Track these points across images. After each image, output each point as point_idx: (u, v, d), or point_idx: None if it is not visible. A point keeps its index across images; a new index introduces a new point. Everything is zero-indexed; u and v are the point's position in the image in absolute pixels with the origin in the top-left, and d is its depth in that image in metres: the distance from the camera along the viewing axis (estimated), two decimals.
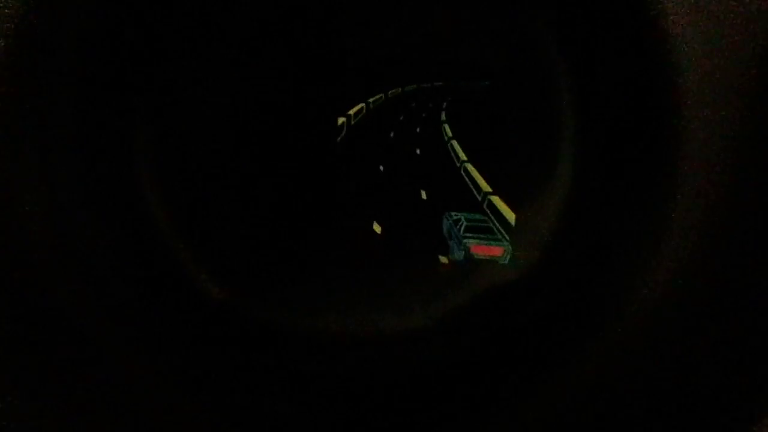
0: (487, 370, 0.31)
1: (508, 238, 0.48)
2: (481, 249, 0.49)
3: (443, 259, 0.50)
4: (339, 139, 0.51)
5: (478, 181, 0.51)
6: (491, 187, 0.51)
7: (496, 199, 0.50)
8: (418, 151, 0.54)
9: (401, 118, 0.54)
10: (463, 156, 0.53)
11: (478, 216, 0.50)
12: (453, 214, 0.51)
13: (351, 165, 0.52)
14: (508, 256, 0.47)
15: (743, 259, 0.22)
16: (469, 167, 0.52)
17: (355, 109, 0.52)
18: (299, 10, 0.49)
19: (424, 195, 0.53)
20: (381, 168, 0.53)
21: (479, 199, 0.51)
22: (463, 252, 0.49)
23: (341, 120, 0.51)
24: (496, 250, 0.48)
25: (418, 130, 0.54)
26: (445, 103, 0.53)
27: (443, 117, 0.54)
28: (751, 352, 0.21)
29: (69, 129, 0.36)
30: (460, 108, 0.53)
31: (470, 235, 0.49)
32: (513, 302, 0.33)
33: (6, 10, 0.29)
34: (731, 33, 0.22)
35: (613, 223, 0.26)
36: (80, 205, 0.37)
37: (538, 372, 0.27)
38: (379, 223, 0.51)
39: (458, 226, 0.50)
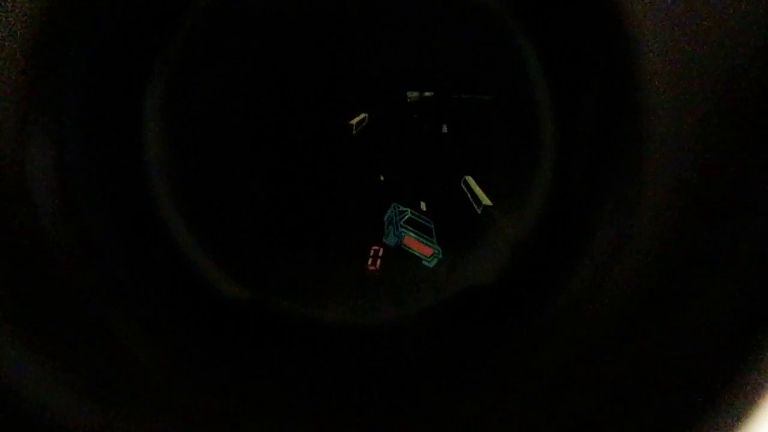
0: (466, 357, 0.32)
1: (440, 249, 0.51)
2: (413, 243, 0.51)
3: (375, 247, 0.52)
4: (340, 147, 0.52)
5: (478, 194, 0.51)
6: (489, 198, 0.51)
7: (494, 212, 0.50)
8: (419, 162, 0.54)
9: (403, 128, 0.54)
10: (464, 168, 0.53)
11: (425, 217, 0.52)
12: (401, 206, 0.53)
13: (351, 174, 0.52)
14: (434, 261, 0.51)
15: (703, 264, 0.23)
16: (470, 179, 0.52)
17: (358, 118, 0.52)
18: (303, 19, 0.50)
19: (423, 206, 0.53)
20: (381, 178, 0.53)
21: (478, 211, 0.51)
22: (396, 239, 0.51)
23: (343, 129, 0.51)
24: (426, 250, 0.52)
25: (419, 140, 0.55)
26: (447, 115, 0.54)
27: (445, 129, 0.54)
28: (711, 351, 0.22)
29: (82, 120, 0.37)
30: (463, 120, 0.53)
31: (409, 228, 0.52)
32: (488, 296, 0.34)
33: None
34: (702, 51, 0.22)
35: (583, 228, 0.27)
36: (94, 205, 0.38)
37: (512, 354, 0.28)
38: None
39: (401, 216, 0.52)
